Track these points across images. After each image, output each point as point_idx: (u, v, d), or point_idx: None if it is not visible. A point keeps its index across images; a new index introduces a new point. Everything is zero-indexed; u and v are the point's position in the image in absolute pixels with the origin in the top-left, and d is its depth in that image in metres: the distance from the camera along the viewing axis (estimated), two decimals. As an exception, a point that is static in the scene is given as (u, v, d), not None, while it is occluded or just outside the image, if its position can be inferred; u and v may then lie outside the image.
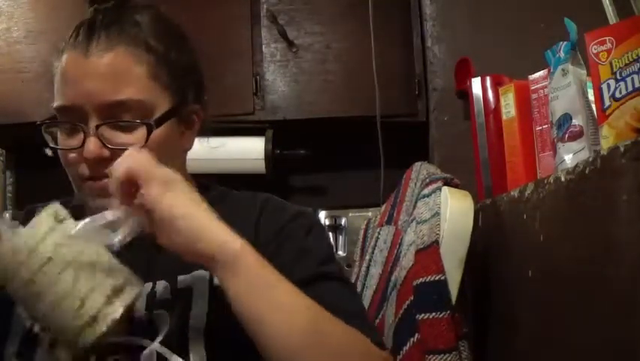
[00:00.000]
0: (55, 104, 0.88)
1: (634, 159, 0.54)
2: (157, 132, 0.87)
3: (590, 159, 0.63)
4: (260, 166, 2.08)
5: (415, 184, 1.05)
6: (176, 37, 0.95)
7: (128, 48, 0.87)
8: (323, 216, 2.09)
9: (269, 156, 2.07)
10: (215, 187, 1.01)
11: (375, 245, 1.16)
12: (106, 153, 0.84)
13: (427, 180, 0.99)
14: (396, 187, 1.17)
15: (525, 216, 0.81)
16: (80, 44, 0.86)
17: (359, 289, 1.18)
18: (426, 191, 0.96)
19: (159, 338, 0.83)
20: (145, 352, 0.82)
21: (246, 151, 2.10)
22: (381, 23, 1.99)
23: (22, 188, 2.27)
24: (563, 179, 0.69)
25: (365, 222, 1.36)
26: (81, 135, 0.85)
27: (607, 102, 0.78)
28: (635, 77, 0.76)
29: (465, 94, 1.58)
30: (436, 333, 0.84)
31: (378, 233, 1.17)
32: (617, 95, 0.77)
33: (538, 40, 1.10)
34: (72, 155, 0.87)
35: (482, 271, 0.97)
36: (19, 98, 1.95)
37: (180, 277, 0.87)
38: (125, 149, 0.83)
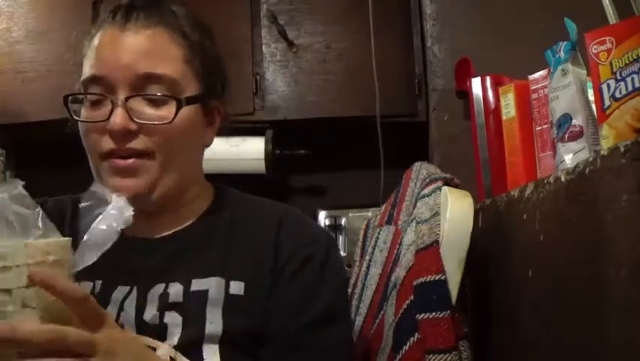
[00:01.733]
0: (85, 76, 0.86)
1: (634, 159, 0.54)
2: (184, 114, 0.86)
3: (590, 159, 0.63)
4: (260, 166, 2.09)
5: (415, 184, 1.05)
6: (207, 31, 0.96)
7: (166, 29, 0.88)
8: (323, 216, 2.09)
9: (269, 156, 2.08)
10: (232, 193, 1.00)
11: (375, 245, 1.16)
12: (132, 126, 0.83)
13: (427, 180, 0.99)
14: (396, 187, 1.17)
15: (525, 216, 0.81)
16: (117, 22, 0.87)
17: (359, 289, 1.18)
18: (426, 191, 0.96)
19: (173, 342, 0.82)
20: (158, 353, 0.81)
21: (246, 151, 2.10)
22: (381, 23, 1.99)
23: (22, 188, 2.27)
24: (563, 179, 0.69)
25: (365, 222, 1.36)
26: (108, 108, 0.84)
27: (607, 102, 0.78)
28: (635, 77, 0.76)
29: (465, 94, 1.59)
30: (436, 333, 0.84)
31: (378, 233, 1.17)
32: (617, 95, 0.77)
33: (538, 40, 1.10)
34: (95, 128, 0.85)
35: (482, 271, 0.97)
36: (19, 98, 1.95)
37: (194, 281, 0.85)
38: (153, 124, 0.84)
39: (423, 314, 0.85)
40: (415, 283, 0.88)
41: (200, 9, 2.32)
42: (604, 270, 0.59)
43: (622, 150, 0.55)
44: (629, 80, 0.76)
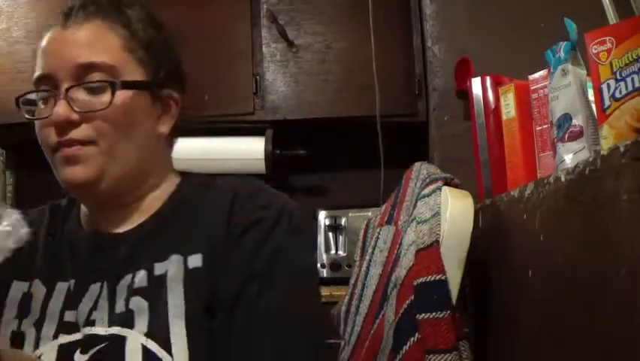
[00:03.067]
0: (34, 77, 0.89)
1: (634, 159, 0.54)
2: (123, 99, 0.88)
3: (590, 159, 0.63)
4: (260, 166, 2.09)
5: (415, 184, 1.05)
6: (156, 23, 0.97)
7: (105, 21, 0.90)
8: (323, 216, 2.10)
9: (269, 156, 2.08)
10: (197, 177, 0.99)
11: (375, 245, 1.16)
12: (74, 116, 0.85)
13: (427, 180, 0.99)
14: (396, 187, 1.17)
15: (525, 216, 0.81)
16: (59, 22, 0.90)
17: (359, 289, 1.18)
18: (426, 191, 0.96)
19: (143, 329, 0.82)
20: (128, 342, 0.81)
21: (246, 151, 2.10)
22: (381, 23, 1.99)
23: (22, 188, 2.28)
24: (563, 179, 0.69)
25: (365, 222, 1.36)
26: (53, 103, 0.87)
27: (607, 102, 0.78)
28: (635, 77, 0.76)
29: (465, 94, 1.59)
30: (436, 333, 0.84)
31: (378, 233, 1.18)
32: (617, 95, 0.77)
33: (538, 40, 1.10)
34: (44, 124, 0.88)
35: (482, 271, 0.97)
36: (19, 98, 1.96)
37: (157, 264, 0.86)
38: (92, 111, 0.86)
39: (423, 314, 0.85)
40: (415, 283, 0.88)
41: (201, 9, 2.32)
42: (604, 270, 0.59)
43: (622, 150, 0.55)
44: (629, 80, 0.76)
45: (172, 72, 0.96)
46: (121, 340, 0.82)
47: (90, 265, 0.89)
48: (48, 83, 0.88)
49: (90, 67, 0.87)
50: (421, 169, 1.07)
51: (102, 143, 0.87)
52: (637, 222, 0.54)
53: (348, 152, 2.29)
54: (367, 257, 1.20)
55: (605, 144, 0.77)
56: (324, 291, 1.85)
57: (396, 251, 1.02)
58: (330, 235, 2.09)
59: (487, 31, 1.71)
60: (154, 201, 0.94)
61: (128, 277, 0.86)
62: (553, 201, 0.73)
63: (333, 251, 2.08)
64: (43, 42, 0.90)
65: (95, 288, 0.87)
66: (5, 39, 2.05)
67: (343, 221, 2.08)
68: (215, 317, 0.83)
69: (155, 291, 0.84)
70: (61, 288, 0.88)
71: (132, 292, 0.85)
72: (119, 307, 0.84)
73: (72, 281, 0.88)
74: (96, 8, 0.91)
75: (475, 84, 1.46)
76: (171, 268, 0.86)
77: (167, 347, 0.80)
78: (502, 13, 1.71)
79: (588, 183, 0.63)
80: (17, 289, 0.90)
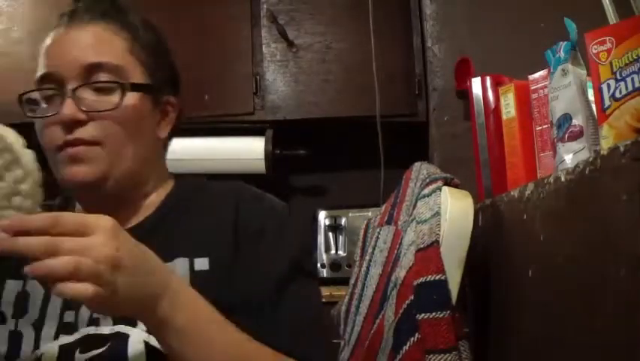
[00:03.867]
0: (37, 76, 0.91)
1: (634, 159, 0.54)
2: (130, 100, 0.89)
3: (590, 159, 0.63)
4: (260, 166, 2.09)
5: (415, 184, 1.05)
6: (153, 28, 0.98)
7: (109, 24, 0.92)
8: (323, 216, 2.10)
9: (269, 156, 2.08)
10: (190, 181, 1.02)
11: (375, 245, 1.16)
12: (81, 115, 0.86)
13: (427, 180, 0.99)
14: (396, 187, 1.17)
15: (525, 216, 0.81)
16: (63, 23, 0.91)
17: (359, 289, 1.18)
18: (426, 191, 0.96)
19: (144, 327, 0.82)
20: (131, 340, 0.82)
21: (246, 151, 2.10)
22: (381, 23, 1.99)
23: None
24: (563, 179, 0.69)
25: (365, 222, 1.36)
26: (59, 102, 0.87)
27: (607, 102, 0.78)
28: (635, 77, 0.76)
29: (465, 94, 1.59)
30: (436, 333, 0.84)
31: (378, 233, 1.17)
32: (617, 95, 0.77)
33: (538, 40, 1.10)
34: (49, 123, 0.88)
35: (482, 271, 0.97)
36: (19, 98, 1.96)
37: None
38: (100, 111, 0.87)
39: (423, 314, 0.85)
40: (415, 283, 0.88)
41: (201, 9, 2.31)
42: (604, 270, 0.59)
43: (622, 150, 0.55)
44: (629, 80, 0.76)
45: (169, 76, 0.97)
46: (124, 338, 0.82)
47: None
48: (52, 82, 0.88)
49: (97, 67, 0.88)
50: (420, 169, 1.07)
51: (108, 144, 0.88)
52: (637, 222, 0.54)
53: (348, 152, 2.29)
54: (367, 257, 1.20)
55: (605, 144, 0.77)
56: (324, 291, 1.85)
57: (396, 251, 1.02)
58: (330, 235, 2.09)
59: (487, 31, 1.71)
60: (151, 202, 0.96)
61: None
62: (554, 201, 0.73)
63: (333, 251, 2.08)
64: (47, 42, 0.91)
65: None
66: (5, 39, 2.05)
67: (343, 221, 2.08)
68: (236, 313, 0.84)
69: None
70: None
71: None
72: None
73: None
74: (99, 11, 0.92)
75: (475, 84, 1.46)
76: (177, 271, 0.86)
77: None
78: (502, 13, 1.71)
79: (588, 183, 0.63)
80: (11, 288, 0.90)
